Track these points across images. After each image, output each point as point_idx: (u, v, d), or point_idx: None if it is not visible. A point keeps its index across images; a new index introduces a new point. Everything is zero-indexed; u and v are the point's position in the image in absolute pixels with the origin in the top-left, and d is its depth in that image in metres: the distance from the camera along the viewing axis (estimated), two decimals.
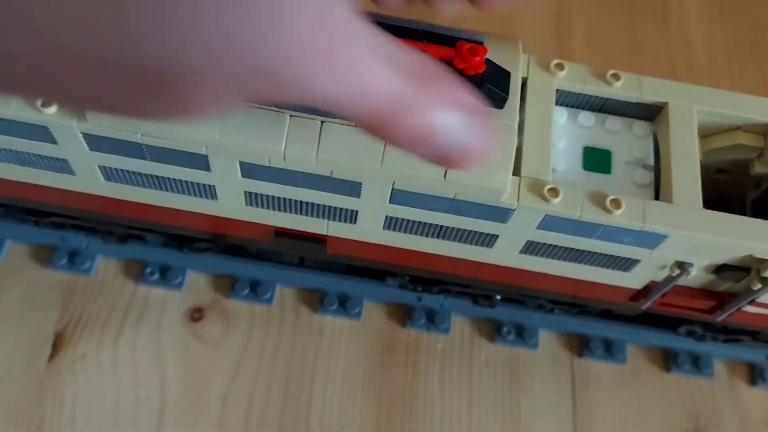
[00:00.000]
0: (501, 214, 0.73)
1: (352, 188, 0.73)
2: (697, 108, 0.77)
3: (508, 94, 0.68)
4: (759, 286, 0.77)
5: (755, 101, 0.79)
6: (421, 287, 0.93)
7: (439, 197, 0.72)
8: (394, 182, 0.71)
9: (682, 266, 0.76)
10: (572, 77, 0.77)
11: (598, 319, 0.95)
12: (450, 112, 0.51)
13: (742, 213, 0.81)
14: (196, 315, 0.94)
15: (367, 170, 0.70)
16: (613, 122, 0.79)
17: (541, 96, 0.76)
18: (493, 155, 0.68)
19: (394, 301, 0.97)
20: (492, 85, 0.67)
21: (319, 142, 0.69)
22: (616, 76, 0.78)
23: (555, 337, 0.97)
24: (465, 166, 0.53)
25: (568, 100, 0.79)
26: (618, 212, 0.70)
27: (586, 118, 0.79)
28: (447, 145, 0.52)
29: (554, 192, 0.70)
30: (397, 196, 0.73)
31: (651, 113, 0.79)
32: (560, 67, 0.77)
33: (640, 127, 0.79)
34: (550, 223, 0.73)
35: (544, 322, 0.96)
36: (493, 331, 0.96)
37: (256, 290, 0.95)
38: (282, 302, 0.95)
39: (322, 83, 0.43)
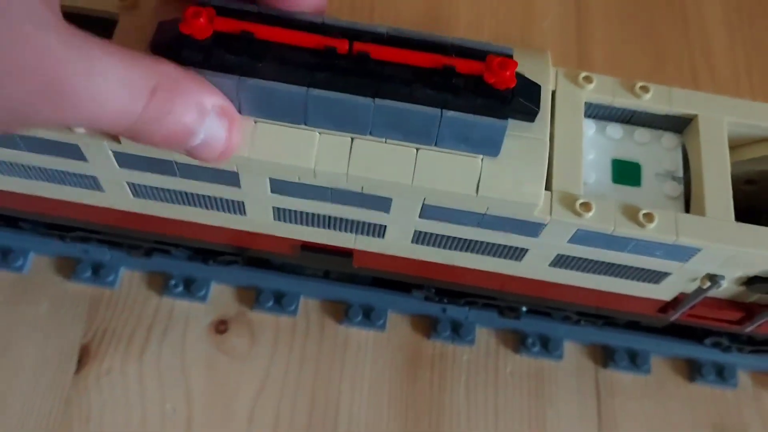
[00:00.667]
0: (533, 228, 0.72)
1: (382, 204, 0.73)
2: (727, 119, 0.77)
3: (539, 107, 0.68)
4: None
5: None
6: (447, 299, 0.93)
7: (471, 212, 0.72)
8: (425, 198, 0.71)
9: (714, 278, 0.76)
10: (601, 89, 0.77)
11: (623, 329, 0.95)
12: (193, 115, 0.60)
13: None
14: (221, 327, 0.93)
15: (398, 186, 0.69)
16: (642, 134, 0.79)
17: (570, 109, 0.76)
18: (521, 170, 0.68)
19: (418, 313, 0.96)
20: (522, 98, 0.67)
21: (349, 158, 0.69)
22: (645, 89, 0.77)
23: (580, 349, 0.96)
24: (214, 160, 0.64)
25: (596, 112, 0.79)
26: (651, 226, 0.70)
27: (615, 130, 0.79)
28: (196, 143, 0.62)
29: (587, 206, 0.70)
30: (428, 211, 0.73)
31: (679, 125, 0.79)
32: (588, 80, 0.77)
33: (669, 139, 0.79)
34: (582, 237, 0.72)
35: (569, 333, 0.96)
36: (518, 342, 0.96)
37: (281, 302, 0.95)
38: (306, 314, 0.95)
39: (58, 115, 0.53)
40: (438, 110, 0.66)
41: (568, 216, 0.70)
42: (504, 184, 0.68)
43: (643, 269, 0.77)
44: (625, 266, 0.77)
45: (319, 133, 0.69)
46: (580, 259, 0.77)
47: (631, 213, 0.71)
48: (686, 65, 1.20)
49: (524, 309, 0.93)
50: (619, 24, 1.22)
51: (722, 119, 0.77)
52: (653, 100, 0.77)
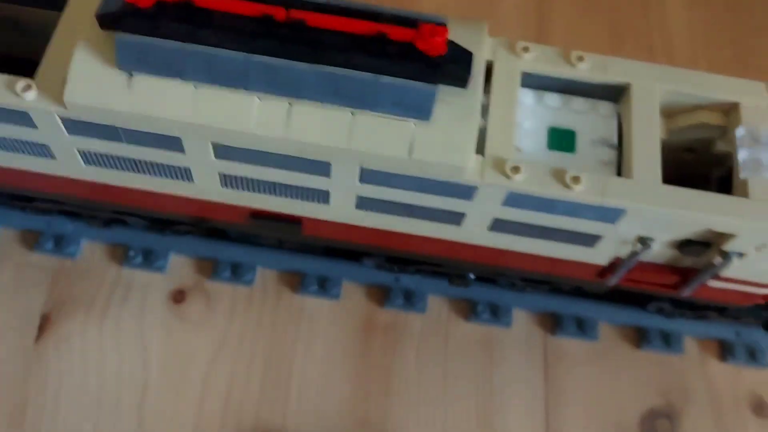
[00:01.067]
0: (466, 191, 0.75)
1: (322, 168, 0.76)
2: (660, 87, 0.79)
3: (470, 73, 0.70)
4: (720, 260, 0.79)
5: (718, 80, 0.81)
6: (397, 267, 0.96)
7: (406, 176, 0.74)
8: (362, 162, 0.73)
9: (644, 241, 0.79)
10: (538, 59, 0.80)
11: (571, 297, 0.97)
12: None
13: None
14: (179, 297, 0.96)
15: (335, 150, 0.72)
16: (579, 103, 0.81)
17: (506, 78, 0.78)
18: (452, 134, 0.71)
19: (372, 282, 0.99)
20: (454, 65, 0.69)
21: (287, 122, 0.71)
22: (581, 58, 0.80)
23: (528, 316, 0.99)
24: None
25: (535, 82, 0.81)
26: (578, 187, 0.72)
27: (552, 99, 0.81)
28: None
29: (516, 169, 0.73)
30: (366, 176, 0.76)
31: (616, 94, 0.81)
32: (526, 49, 0.80)
33: (605, 107, 0.81)
34: (513, 199, 0.75)
35: (518, 301, 0.98)
36: (468, 310, 0.98)
37: (238, 272, 0.97)
38: (263, 284, 0.98)
39: None
40: (372, 75, 0.69)
41: (498, 178, 0.73)
42: (435, 147, 0.71)
43: (576, 233, 0.79)
44: (560, 230, 0.79)
45: (259, 98, 0.71)
46: (516, 222, 0.79)
47: (559, 176, 0.73)
48: (644, 43, 1.22)
49: (472, 276, 0.95)
50: (580, 1, 1.25)
51: (655, 87, 0.79)
52: (589, 69, 0.80)
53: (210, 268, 0.98)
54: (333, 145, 0.72)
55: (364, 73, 0.69)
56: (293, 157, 0.74)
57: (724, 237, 0.77)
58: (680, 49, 1.23)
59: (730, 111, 0.80)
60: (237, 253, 0.98)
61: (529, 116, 0.80)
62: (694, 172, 0.87)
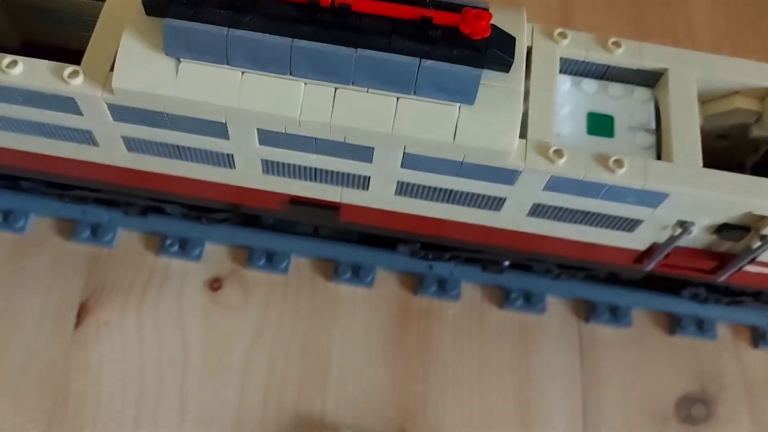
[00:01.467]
0: (508, 176, 0.76)
1: (365, 153, 0.76)
2: (696, 73, 0.80)
3: (513, 57, 0.71)
4: (758, 243, 0.79)
5: (753, 66, 0.82)
6: (432, 254, 0.96)
7: (449, 160, 0.75)
8: (405, 146, 0.74)
9: (684, 225, 0.79)
10: (575, 45, 0.80)
11: (604, 284, 0.98)
12: None
13: None
14: (215, 285, 0.97)
15: (379, 135, 0.73)
16: (616, 89, 0.82)
17: (545, 64, 0.79)
18: (496, 119, 0.72)
19: (405, 270, 1.00)
20: (497, 49, 0.70)
21: (332, 108, 0.72)
22: (617, 44, 0.81)
23: (562, 303, 0.99)
24: None
25: (571, 67, 0.82)
26: (621, 171, 0.73)
27: (589, 85, 0.82)
28: None
29: (559, 153, 0.73)
30: (408, 161, 0.76)
31: (652, 79, 0.82)
32: (563, 35, 0.80)
33: (642, 93, 0.82)
34: (555, 184, 0.76)
35: (552, 288, 0.99)
36: (502, 297, 0.99)
37: (272, 260, 0.98)
38: (297, 271, 0.99)
39: None
40: (416, 60, 0.69)
41: (541, 163, 0.73)
42: (479, 131, 0.72)
43: (616, 217, 0.80)
44: (600, 214, 0.80)
45: (304, 84, 0.72)
46: (556, 207, 0.80)
47: (601, 160, 0.74)
48: (668, 33, 1.23)
49: (506, 263, 0.96)
50: None
51: (691, 73, 0.80)
52: (625, 55, 0.81)
53: (245, 257, 0.99)
54: (377, 129, 0.72)
55: (407, 57, 0.69)
56: (337, 142, 0.75)
57: (763, 221, 0.77)
58: (703, 38, 1.24)
59: (766, 97, 0.81)
60: (272, 241, 0.99)
61: (568, 102, 0.81)
62: (727, 159, 0.87)
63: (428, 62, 0.69)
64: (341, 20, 0.69)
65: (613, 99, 0.82)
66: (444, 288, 0.98)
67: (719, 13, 1.25)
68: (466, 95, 0.71)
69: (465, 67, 0.69)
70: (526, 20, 0.78)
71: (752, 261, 0.84)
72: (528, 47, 0.79)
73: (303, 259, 1.00)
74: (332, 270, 0.99)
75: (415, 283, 0.99)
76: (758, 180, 0.75)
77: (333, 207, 0.87)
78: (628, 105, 0.81)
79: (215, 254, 0.99)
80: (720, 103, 0.82)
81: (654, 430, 0.94)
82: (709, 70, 0.80)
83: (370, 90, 0.72)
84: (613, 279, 0.97)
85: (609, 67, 0.81)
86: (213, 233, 0.99)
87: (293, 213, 0.89)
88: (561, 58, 0.80)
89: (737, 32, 1.24)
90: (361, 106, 0.72)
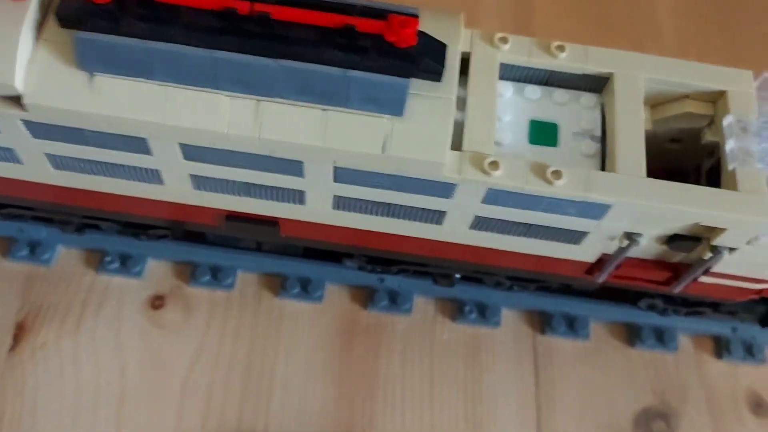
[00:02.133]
0: (445, 189, 0.73)
1: (296, 168, 0.73)
2: (644, 77, 0.77)
3: (443, 66, 0.68)
4: (710, 255, 0.76)
5: (704, 68, 0.78)
6: (380, 268, 0.93)
7: (382, 174, 0.72)
8: (334, 160, 0.71)
9: (631, 237, 0.76)
10: (517, 50, 0.77)
11: (561, 295, 0.95)
12: None
13: (698, 183, 0.80)
14: (156, 303, 0.94)
15: (308, 148, 0.70)
16: (560, 95, 0.79)
17: (484, 70, 0.76)
18: (427, 129, 0.68)
19: (356, 284, 0.96)
20: (427, 57, 0.67)
21: (259, 121, 0.69)
22: (561, 48, 0.77)
23: (517, 315, 0.96)
24: None
25: (514, 73, 0.79)
26: (560, 183, 0.70)
27: (533, 91, 0.79)
28: None
29: (495, 165, 0.70)
30: (341, 175, 0.73)
31: (599, 84, 0.79)
32: (504, 40, 0.77)
33: (588, 98, 0.79)
34: (494, 196, 0.72)
35: (506, 300, 0.95)
36: (455, 310, 0.95)
37: (217, 276, 0.95)
38: (243, 287, 0.95)
39: None
40: (342, 70, 0.66)
41: (476, 174, 0.70)
42: (410, 143, 0.69)
43: (561, 229, 0.77)
44: (544, 226, 0.77)
45: (228, 97, 0.69)
46: (498, 220, 0.77)
47: (540, 171, 0.71)
48: (632, 33, 1.20)
49: (457, 276, 0.93)
50: None
51: (638, 76, 0.77)
52: (570, 59, 0.77)
53: (188, 273, 0.95)
54: (305, 143, 0.69)
55: (332, 68, 0.66)
56: (265, 156, 0.72)
57: (713, 231, 0.74)
58: (669, 37, 1.21)
59: (718, 100, 0.78)
60: (216, 256, 0.95)
61: (509, 109, 0.77)
62: (683, 163, 0.84)
63: (354, 73, 0.66)
64: (263, 30, 0.66)
65: (558, 105, 0.78)
66: (396, 302, 0.95)
67: (686, 10, 1.23)
68: (394, 106, 0.68)
69: (392, 77, 0.66)
70: (467, 25, 0.75)
71: (706, 272, 0.80)
72: (466, 53, 0.76)
73: (250, 274, 0.96)
74: (280, 285, 0.96)
75: (366, 297, 0.96)
76: (703, 190, 0.72)
77: (272, 222, 0.84)
78: (574, 111, 0.78)
79: (157, 271, 0.96)
80: (670, 106, 0.79)
81: None
82: (657, 73, 0.77)
83: (296, 102, 0.69)
84: (569, 290, 0.94)
85: (553, 72, 0.78)
86: (155, 249, 0.95)
87: (230, 229, 0.86)
88: (502, 64, 0.77)
89: (703, 29, 1.22)
90: (289, 119, 0.69)
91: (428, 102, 0.69)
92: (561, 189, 0.70)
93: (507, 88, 0.78)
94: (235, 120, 0.69)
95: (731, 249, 0.76)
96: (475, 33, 0.77)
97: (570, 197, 0.70)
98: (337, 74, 0.66)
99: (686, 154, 0.83)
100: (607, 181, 0.71)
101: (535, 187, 0.70)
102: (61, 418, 0.86)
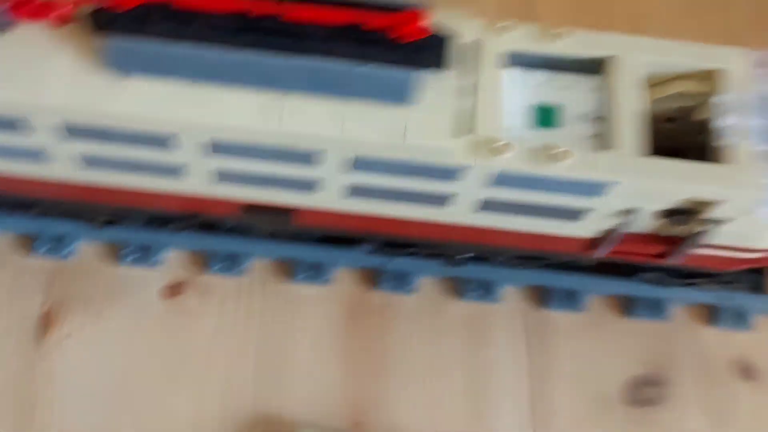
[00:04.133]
0: (456, 173, 0.77)
1: (314, 158, 0.77)
2: (643, 59, 0.81)
3: (448, 56, 0.72)
4: (705, 227, 0.81)
5: (700, 48, 0.83)
6: (391, 251, 0.97)
7: (399, 162, 0.76)
8: (354, 149, 0.75)
9: (631, 212, 0.81)
10: (521, 37, 0.81)
11: (558, 270, 0.99)
12: None
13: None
14: (174, 291, 0.97)
15: (326, 140, 0.74)
16: (563, 79, 0.83)
17: (489, 58, 0.80)
18: (438, 117, 0.73)
19: (364, 266, 1.00)
20: (433, 49, 0.71)
21: (278, 115, 0.73)
22: (563, 33, 0.81)
23: (517, 291, 1.00)
24: None
25: (519, 60, 0.83)
26: (566, 163, 0.74)
27: (536, 76, 0.83)
28: None
29: (505, 148, 0.74)
30: (357, 163, 0.77)
31: (599, 67, 0.83)
32: (509, 28, 0.81)
33: (590, 81, 0.83)
34: (504, 178, 0.77)
35: (507, 277, 0.99)
36: (460, 288, 1.00)
37: (231, 263, 0.98)
38: (256, 274, 0.99)
39: None
40: (354, 64, 0.71)
41: (487, 158, 0.74)
42: (422, 130, 0.73)
43: (563, 208, 0.81)
44: (549, 206, 0.81)
45: (248, 93, 0.73)
46: (506, 201, 0.81)
47: (548, 152, 0.75)
48: (626, 13, 1.23)
49: (464, 256, 0.97)
50: None
51: (637, 58, 0.81)
52: (570, 44, 0.82)
53: (203, 262, 0.99)
54: (324, 134, 0.73)
55: (339, 62, 0.71)
56: (288, 148, 0.75)
57: (708, 204, 0.79)
58: (664, 16, 1.24)
59: (713, 78, 0.82)
60: (230, 244, 0.99)
61: (514, 95, 0.81)
62: (680, 141, 0.88)
63: (365, 66, 0.70)
64: (276, 27, 0.70)
65: (561, 89, 0.82)
66: (402, 282, 0.99)
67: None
68: (402, 96, 0.72)
69: (402, 68, 0.71)
70: (474, 15, 0.79)
71: (701, 243, 0.85)
72: (473, 42, 0.80)
73: (263, 261, 1.00)
74: (291, 270, 0.99)
75: (373, 279, 1.00)
76: (698, 165, 0.76)
77: (288, 211, 0.88)
78: (576, 95, 0.82)
79: (174, 260, 0.99)
80: (668, 86, 0.84)
81: (604, 415, 0.94)
82: (656, 54, 0.82)
83: (311, 95, 0.73)
84: (566, 265, 0.98)
85: (556, 57, 0.82)
86: (171, 240, 0.99)
87: (247, 219, 0.90)
88: (507, 51, 0.81)
89: (698, 7, 1.25)
90: (306, 112, 0.73)
91: (438, 91, 0.73)
92: (568, 169, 0.74)
93: (511, 75, 0.82)
94: (255, 114, 0.73)
95: (725, 221, 0.80)
96: (479, 23, 0.81)
97: (578, 177, 0.75)
98: (344, 68, 0.71)
99: (682, 133, 0.87)
100: (609, 160, 0.75)
101: (545, 168, 0.74)
102: (90, 402, 0.90)
